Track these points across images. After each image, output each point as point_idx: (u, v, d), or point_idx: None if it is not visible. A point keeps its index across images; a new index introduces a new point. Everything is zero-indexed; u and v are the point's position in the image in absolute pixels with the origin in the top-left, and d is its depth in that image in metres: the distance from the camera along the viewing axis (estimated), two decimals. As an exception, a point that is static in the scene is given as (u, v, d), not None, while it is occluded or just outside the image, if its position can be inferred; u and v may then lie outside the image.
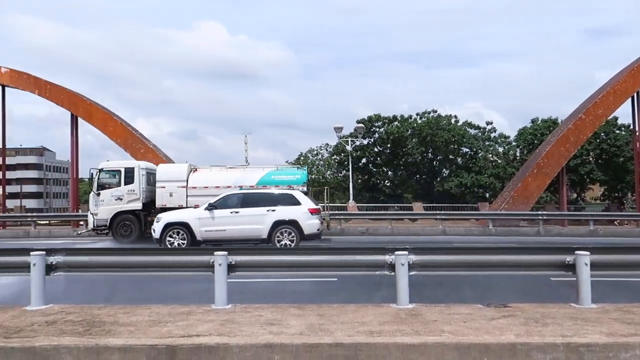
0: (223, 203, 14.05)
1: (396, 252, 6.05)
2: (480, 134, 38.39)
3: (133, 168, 17.38)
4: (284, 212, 13.79)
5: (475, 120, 75.49)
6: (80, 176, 26.39)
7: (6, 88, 24.47)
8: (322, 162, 40.42)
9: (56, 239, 19.56)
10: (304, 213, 13.82)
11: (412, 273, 6.08)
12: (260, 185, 16.54)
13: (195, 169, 17.64)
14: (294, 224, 13.77)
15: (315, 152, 41.00)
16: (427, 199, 32.61)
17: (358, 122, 37.12)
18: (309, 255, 6.44)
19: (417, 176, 38.80)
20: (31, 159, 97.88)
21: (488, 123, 38.85)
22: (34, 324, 5.17)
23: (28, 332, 4.89)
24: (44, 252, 6.26)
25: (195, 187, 16.70)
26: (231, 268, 6.15)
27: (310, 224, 13.87)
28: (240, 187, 15.99)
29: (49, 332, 4.85)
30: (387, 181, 38.71)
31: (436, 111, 38.57)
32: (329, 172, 39.95)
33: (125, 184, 17.13)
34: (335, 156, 38.78)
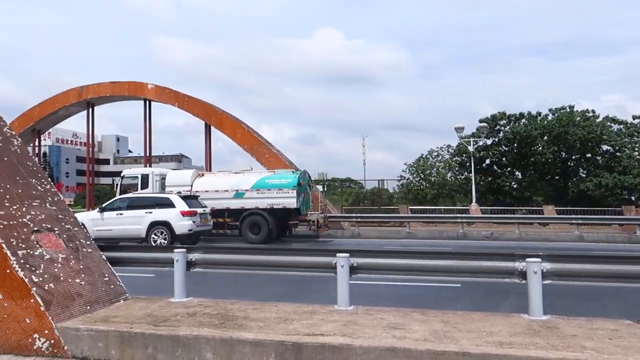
0: (111, 205, 15.95)
1: (527, 259, 5.66)
2: (624, 129, 34.39)
3: (148, 174, 19.31)
4: (158, 214, 15.25)
5: (617, 114, 67.83)
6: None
7: (152, 103, 27.48)
8: (442, 164, 39.16)
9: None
10: (176, 215, 15.14)
11: (545, 282, 5.63)
12: (255, 188, 17.86)
13: (202, 174, 19.18)
14: (166, 224, 15.12)
15: (436, 153, 39.86)
16: (560, 202, 29.98)
17: (481, 121, 35.40)
18: (432, 259, 6.28)
19: (548, 177, 35.88)
20: (171, 165, 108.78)
21: (635, 117, 34.63)
22: (177, 315, 5.71)
23: (173, 321, 5.41)
24: (185, 250, 6.89)
25: (198, 191, 18.05)
26: (353, 270, 6.22)
27: (182, 225, 15.15)
28: (237, 191, 17.30)
29: (190, 323, 5.32)
30: (513, 183, 36.33)
31: (572, 107, 35.33)
32: (449, 174, 38.61)
33: (142, 188, 19.07)
34: (456, 157, 37.37)
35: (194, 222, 15.60)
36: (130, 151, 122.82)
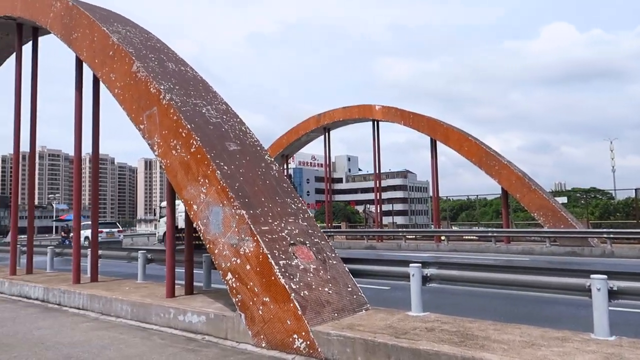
0: None
1: None
2: None
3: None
4: None
5: None
6: (439, 194, 28.37)
7: (379, 122, 28.94)
8: None
9: (422, 252, 21.59)
10: None
11: None
12: None
13: None
14: None
15: None
16: None
17: None
18: None
19: None
20: (397, 181, 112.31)
21: None
22: (416, 329, 5.81)
23: (412, 335, 5.53)
24: (420, 265, 7.00)
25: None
26: (612, 294, 5.41)
27: None
28: None
29: (429, 338, 5.36)
30: None
31: None
32: None
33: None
34: None
35: None
36: (359, 169, 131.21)
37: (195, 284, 8.99)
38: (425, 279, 6.97)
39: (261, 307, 6.41)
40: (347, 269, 7.29)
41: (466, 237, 25.54)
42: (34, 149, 12.52)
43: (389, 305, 7.43)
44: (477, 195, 46.00)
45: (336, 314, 6.38)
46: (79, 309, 9.32)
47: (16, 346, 6.72)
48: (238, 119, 8.93)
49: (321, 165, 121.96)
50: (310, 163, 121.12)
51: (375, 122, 29.05)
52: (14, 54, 13.76)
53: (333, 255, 7.33)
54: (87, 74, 10.79)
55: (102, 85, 10.27)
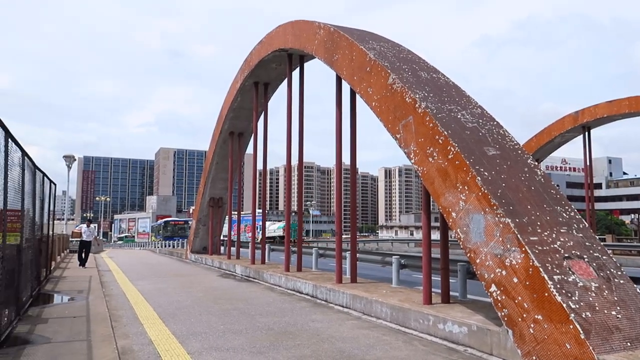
0: None
1: None
2: None
3: None
4: None
5: None
6: None
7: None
8: None
9: None
10: None
11: None
12: None
13: None
14: None
15: None
16: None
17: None
18: None
19: None
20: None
21: None
22: None
23: None
24: None
25: None
26: None
27: None
28: None
29: None
30: None
31: None
32: None
33: None
34: None
35: None
36: (625, 173, 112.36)
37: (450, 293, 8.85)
38: None
39: (532, 325, 5.86)
40: (638, 290, 6.13)
41: None
42: (301, 159, 14.25)
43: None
44: None
45: (629, 344, 5.39)
46: (342, 306, 10.13)
47: (298, 335, 7.63)
48: (495, 122, 8.48)
49: (573, 169, 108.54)
50: (560, 167, 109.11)
51: (651, 117, 24.38)
52: (284, 81, 16.03)
53: (619, 273, 6.26)
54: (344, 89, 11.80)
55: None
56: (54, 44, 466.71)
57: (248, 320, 8.76)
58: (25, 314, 8.94)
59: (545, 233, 6.44)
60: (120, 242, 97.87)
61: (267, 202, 24.03)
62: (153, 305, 10.37)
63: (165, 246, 40.28)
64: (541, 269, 5.87)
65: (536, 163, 7.76)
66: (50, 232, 16.46)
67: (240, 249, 21.71)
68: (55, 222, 19.49)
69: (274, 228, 50.12)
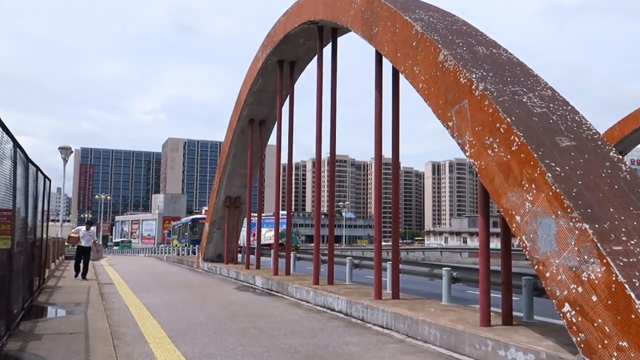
0: None
1: None
2: None
3: None
4: None
5: None
6: None
7: None
8: None
9: None
10: None
11: None
12: None
13: None
14: None
15: None
16: None
17: None
18: None
19: None
20: None
21: None
22: None
23: None
24: None
25: None
26: None
27: None
28: None
29: None
30: None
31: None
32: None
33: None
34: None
35: None
36: None
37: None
38: None
39: (615, 354, 5.71)
40: None
41: None
42: (333, 152, 14.26)
43: None
44: None
45: None
46: (382, 327, 10.11)
47: (329, 360, 7.66)
48: (569, 107, 8.29)
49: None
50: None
51: None
52: (314, 60, 16.04)
53: None
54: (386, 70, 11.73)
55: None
56: (48, 20, 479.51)
57: (270, 341, 8.84)
58: (16, 328, 9.23)
59: (632, 242, 6.27)
60: (116, 247, 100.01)
61: (293, 202, 23.94)
62: (161, 322, 10.58)
63: (190, 252, 40.28)
64: (627, 286, 5.71)
65: (620, 156, 7.55)
66: (45, 235, 16.96)
67: (261, 257, 22.00)
68: (49, 223, 20.03)
69: (270, 235, 50.09)
